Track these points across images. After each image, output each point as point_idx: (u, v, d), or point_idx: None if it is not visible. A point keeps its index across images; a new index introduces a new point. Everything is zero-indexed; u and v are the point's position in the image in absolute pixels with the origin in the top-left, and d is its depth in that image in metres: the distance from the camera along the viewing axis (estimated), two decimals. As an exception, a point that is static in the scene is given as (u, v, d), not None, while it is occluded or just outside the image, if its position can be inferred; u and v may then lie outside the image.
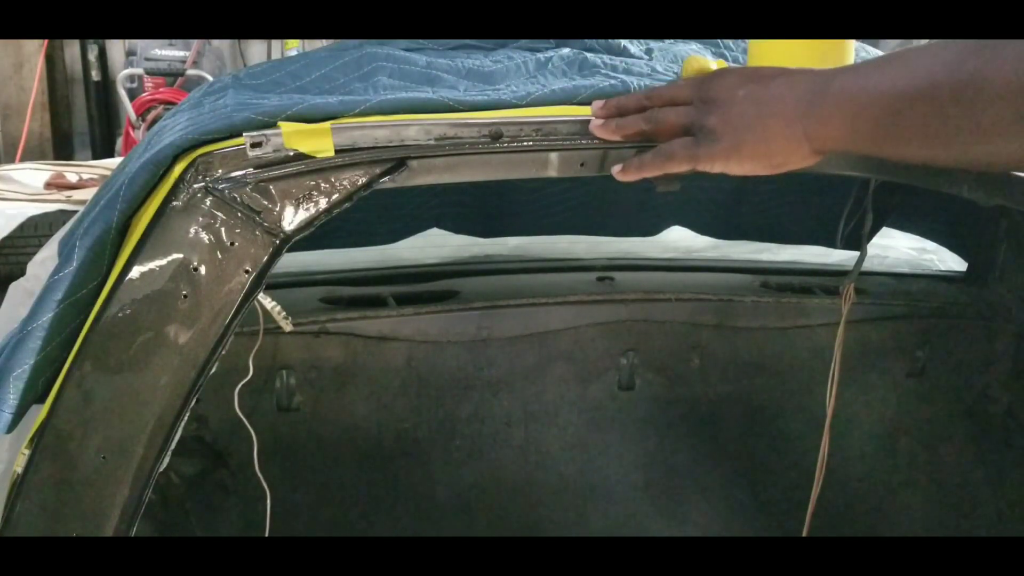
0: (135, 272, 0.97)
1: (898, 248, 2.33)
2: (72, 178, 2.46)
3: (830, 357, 1.56)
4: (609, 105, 0.99)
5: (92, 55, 6.40)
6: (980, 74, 0.74)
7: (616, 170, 0.98)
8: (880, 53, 1.07)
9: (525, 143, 1.02)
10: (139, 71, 5.82)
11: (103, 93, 6.46)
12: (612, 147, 1.00)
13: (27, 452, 1.00)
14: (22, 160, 5.44)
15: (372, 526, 1.89)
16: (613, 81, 1.12)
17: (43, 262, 1.31)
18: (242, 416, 1.36)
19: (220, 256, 0.97)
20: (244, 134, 0.96)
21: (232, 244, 0.97)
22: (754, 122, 0.87)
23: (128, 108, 5.68)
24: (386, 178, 1.00)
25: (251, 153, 0.96)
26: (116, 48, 6.42)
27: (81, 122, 6.63)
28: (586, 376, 1.96)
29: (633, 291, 1.94)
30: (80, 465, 0.99)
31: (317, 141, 0.97)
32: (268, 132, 0.96)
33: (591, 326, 1.93)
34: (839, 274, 2.02)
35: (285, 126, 0.97)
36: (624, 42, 1.30)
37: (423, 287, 1.93)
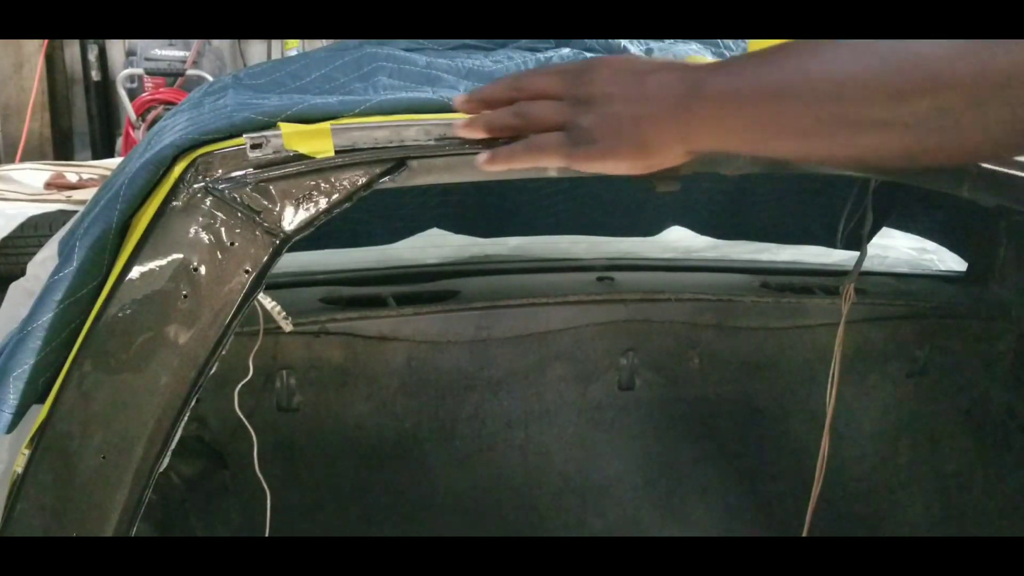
0: (135, 272, 0.97)
1: (898, 248, 2.33)
2: (72, 178, 2.46)
3: (830, 357, 1.56)
4: (474, 98, 0.95)
5: (92, 55, 6.40)
6: (854, 72, 0.74)
7: (482, 159, 0.94)
8: None
9: None
10: (139, 71, 5.82)
11: (103, 93, 6.46)
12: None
13: (27, 452, 1.00)
14: (22, 160, 5.44)
15: (372, 526, 1.89)
16: (613, 81, 1.12)
17: (43, 262, 1.31)
18: (242, 416, 1.36)
19: (220, 256, 0.97)
20: (244, 136, 0.96)
21: (232, 244, 0.97)
22: (629, 124, 0.85)
23: (128, 108, 5.68)
24: (386, 178, 1.00)
25: (251, 155, 0.96)
26: (116, 48, 6.42)
27: (81, 122, 6.63)
28: (586, 376, 1.96)
29: (633, 291, 1.94)
30: (80, 465, 0.99)
31: (317, 142, 0.97)
32: (268, 134, 0.96)
33: (591, 326, 1.93)
34: (839, 274, 2.02)
35: (285, 127, 0.97)
36: (624, 42, 1.30)
37: (423, 287, 1.93)
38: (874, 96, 0.74)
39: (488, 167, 0.93)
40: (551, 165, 0.92)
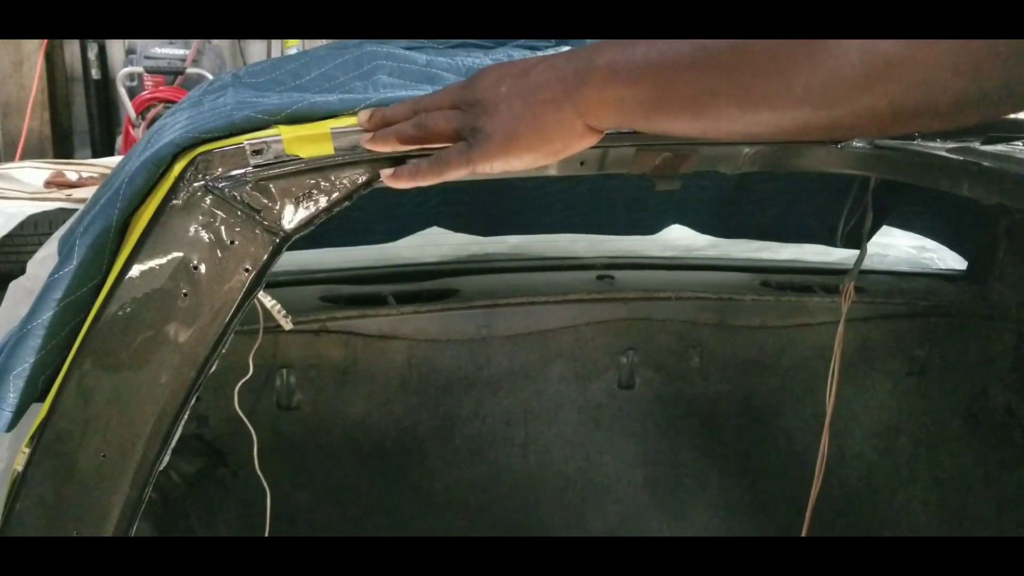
0: (135, 271, 0.97)
1: (898, 247, 2.33)
2: (72, 176, 2.46)
3: (830, 356, 1.56)
4: (375, 116, 0.96)
5: (92, 53, 6.39)
6: (747, 43, 0.74)
7: (386, 175, 0.95)
8: None
9: None
10: (139, 69, 5.82)
11: (103, 91, 6.46)
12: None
13: (27, 451, 1.00)
14: (22, 158, 5.45)
15: (372, 525, 1.89)
16: (613, 80, 1.12)
17: (43, 260, 1.31)
18: (242, 415, 1.36)
19: (220, 254, 0.97)
20: (245, 141, 0.96)
21: (232, 242, 0.97)
22: (523, 113, 0.85)
23: (128, 106, 5.68)
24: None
25: (252, 161, 0.96)
26: (116, 46, 6.41)
27: (81, 120, 6.62)
28: (586, 375, 1.96)
29: (633, 290, 1.94)
30: (80, 464, 0.99)
31: (318, 147, 0.97)
32: (269, 139, 0.96)
33: (591, 325, 1.93)
34: (839, 273, 2.02)
35: (285, 132, 0.97)
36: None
37: (423, 285, 1.93)
38: (760, 69, 0.74)
39: (393, 183, 0.94)
40: (457, 176, 0.91)
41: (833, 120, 0.73)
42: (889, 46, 0.68)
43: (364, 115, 0.97)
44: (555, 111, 0.84)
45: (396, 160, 0.97)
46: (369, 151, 0.96)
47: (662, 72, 0.79)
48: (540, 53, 1.25)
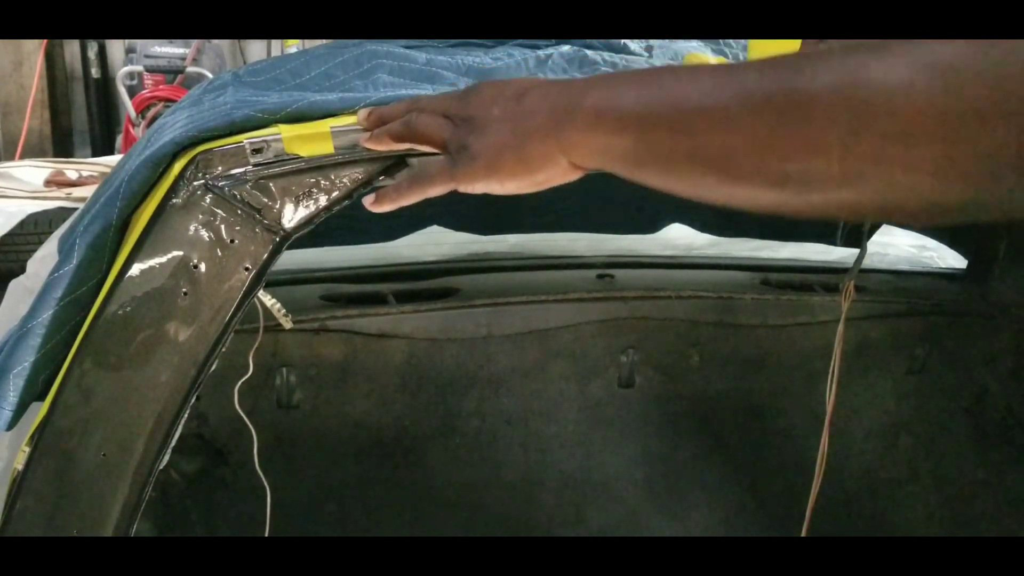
0: (135, 269, 0.97)
1: (898, 245, 2.33)
2: (72, 175, 2.46)
3: (830, 354, 1.56)
4: (373, 115, 0.96)
5: (92, 52, 6.40)
6: (733, 113, 0.70)
7: (368, 201, 0.94)
8: None
9: None
10: (139, 68, 5.82)
11: (103, 90, 6.46)
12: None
13: (27, 449, 1.00)
14: (22, 158, 5.45)
15: (372, 523, 1.89)
16: (613, 79, 1.12)
17: (43, 259, 1.31)
18: (242, 413, 1.36)
19: (220, 253, 0.97)
20: (245, 140, 0.96)
21: (232, 241, 0.97)
22: (509, 140, 0.84)
23: (128, 105, 5.68)
24: (386, 176, 1.00)
25: (252, 160, 0.96)
26: (116, 45, 6.42)
27: (81, 119, 6.63)
28: (586, 373, 1.96)
29: (633, 288, 1.94)
30: (80, 463, 0.99)
31: (318, 145, 0.97)
32: (269, 138, 0.96)
33: (591, 323, 1.93)
34: (839, 271, 2.02)
35: (285, 131, 0.97)
36: (624, 40, 1.30)
37: (423, 284, 1.93)
38: (741, 146, 0.69)
39: (375, 208, 0.94)
40: (439, 193, 0.91)
41: (811, 205, 0.70)
42: (869, 146, 0.63)
43: (363, 113, 0.97)
44: (540, 144, 0.83)
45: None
46: (368, 150, 0.96)
47: (645, 127, 0.76)
48: (540, 52, 1.25)
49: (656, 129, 0.75)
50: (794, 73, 0.67)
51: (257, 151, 0.96)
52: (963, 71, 0.59)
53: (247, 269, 0.98)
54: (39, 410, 1.01)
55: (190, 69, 5.80)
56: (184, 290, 0.97)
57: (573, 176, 0.86)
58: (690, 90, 0.73)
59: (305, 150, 0.97)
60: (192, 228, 0.97)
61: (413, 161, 1.01)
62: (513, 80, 0.89)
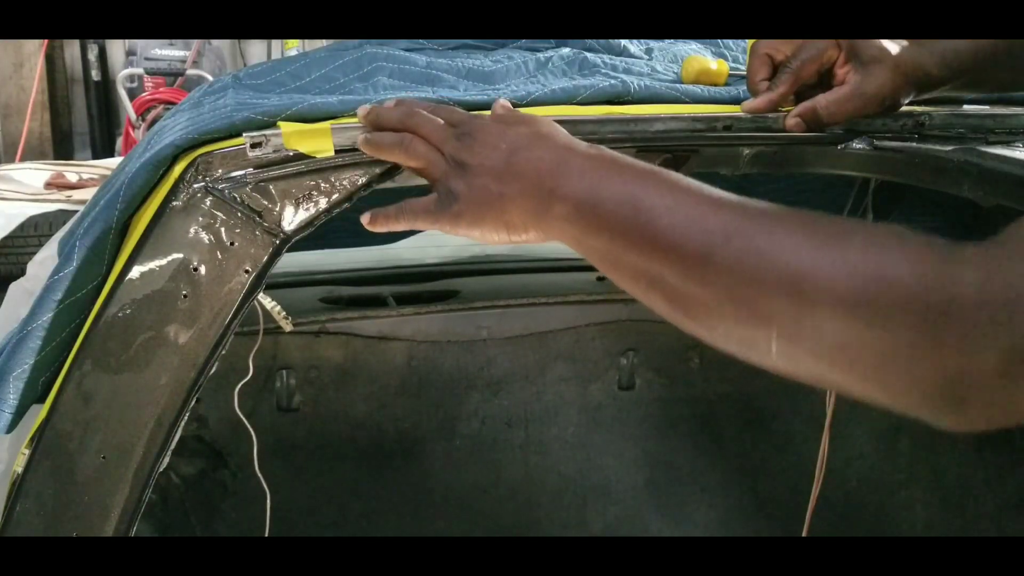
0: (135, 272, 0.97)
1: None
2: (72, 178, 2.46)
3: (830, 357, 1.55)
4: (371, 114, 0.96)
5: (92, 55, 6.41)
6: (682, 235, 0.71)
7: (365, 219, 0.96)
8: None
9: None
10: (139, 71, 5.83)
11: (103, 93, 6.47)
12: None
13: (27, 452, 1.00)
14: (22, 160, 5.45)
15: (372, 526, 1.89)
16: (613, 81, 1.12)
17: (43, 262, 1.31)
18: (242, 416, 1.36)
19: (220, 256, 0.97)
20: (244, 135, 0.96)
21: (232, 244, 0.97)
22: (494, 201, 0.85)
23: (128, 108, 5.68)
24: (386, 178, 1.00)
25: (251, 153, 0.96)
26: (116, 48, 6.42)
27: (81, 122, 6.63)
28: (586, 376, 1.96)
29: (633, 291, 1.94)
30: (80, 465, 0.99)
31: (317, 141, 0.97)
32: (268, 132, 0.96)
33: (591, 326, 1.93)
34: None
35: (285, 126, 0.97)
36: (624, 42, 1.30)
37: (423, 287, 1.93)
38: (694, 294, 0.71)
39: (371, 227, 0.95)
40: (422, 227, 0.93)
41: (761, 364, 0.72)
42: (810, 340, 0.64)
43: (363, 110, 0.97)
44: (518, 214, 0.85)
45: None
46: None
47: (615, 239, 0.77)
48: (540, 55, 1.25)
49: (626, 245, 0.76)
50: (765, 238, 0.67)
51: (256, 146, 0.95)
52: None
53: (247, 272, 0.98)
54: (39, 413, 1.01)
55: (190, 71, 5.81)
56: (184, 293, 0.97)
57: (549, 241, 0.87)
58: (667, 220, 0.73)
59: (304, 146, 0.96)
60: (192, 231, 0.97)
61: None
62: (512, 127, 0.88)
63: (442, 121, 0.92)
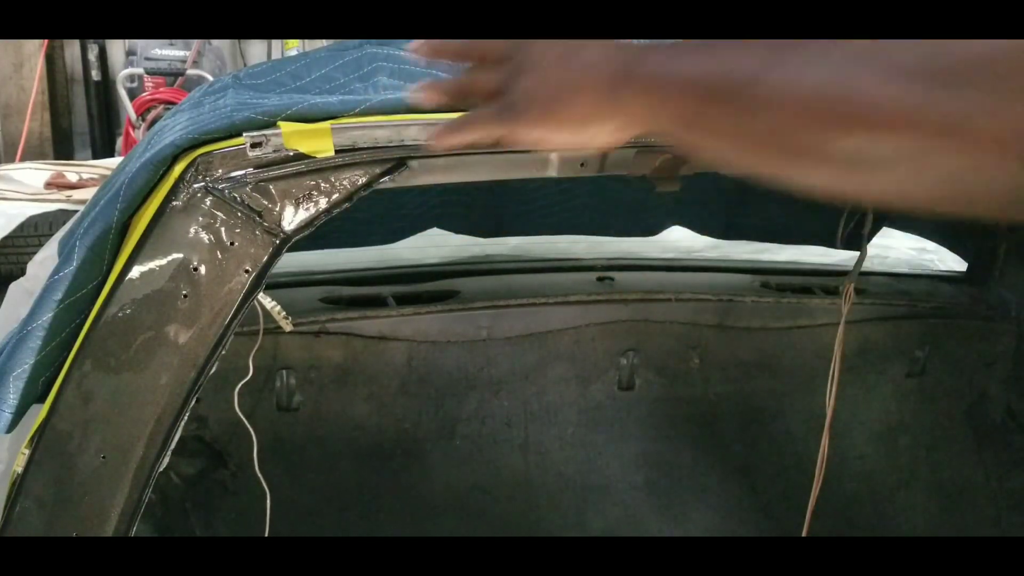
0: (135, 272, 0.97)
1: (898, 248, 2.33)
2: (72, 178, 2.46)
3: (830, 357, 1.56)
4: (430, 44, 0.94)
5: (92, 55, 6.40)
6: (798, 83, 0.67)
7: (427, 135, 0.92)
8: None
9: None
10: (139, 71, 5.82)
11: (103, 93, 6.46)
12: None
13: (27, 452, 1.00)
14: (22, 160, 5.44)
15: (372, 526, 1.89)
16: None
17: (43, 262, 1.31)
18: (242, 416, 1.36)
19: (220, 256, 0.97)
20: (244, 134, 0.96)
21: (232, 244, 0.97)
22: (563, 93, 0.83)
23: (128, 108, 5.68)
24: (386, 178, 1.00)
25: (251, 153, 0.96)
26: (116, 48, 6.42)
27: (81, 122, 6.63)
28: (586, 376, 1.96)
29: (633, 291, 1.94)
30: (80, 465, 0.99)
31: (317, 141, 0.97)
32: (268, 132, 0.96)
33: (591, 326, 1.93)
34: (839, 274, 2.02)
35: (285, 126, 0.97)
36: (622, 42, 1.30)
37: (423, 287, 1.93)
38: (795, 121, 0.66)
39: (437, 143, 0.91)
40: (490, 136, 0.88)
41: (868, 189, 0.68)
42: (937, 119, 0.59)
43: (416, 43, 0.94)
44: (593, 102, 0.82)
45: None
46: (369, 153, 0.96)
47: (700, 94, 0.74)
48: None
49: (710, 100, 0.73)
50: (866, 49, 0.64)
51: (256, 145, 0.95)
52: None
53: (247, 271, 0.98)
54: (39, 412, 1.01)
55: (190, 71, 5.80)
56: (184, 292, 0.97)
57: (617, 139, 0.84)
58: (748, 62, 0.71)
59: (304, 145, 0.96)
60: (192, 230, 0.97)
61: (414, 163, 1.01)
62: (569, 40, 0.88)
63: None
